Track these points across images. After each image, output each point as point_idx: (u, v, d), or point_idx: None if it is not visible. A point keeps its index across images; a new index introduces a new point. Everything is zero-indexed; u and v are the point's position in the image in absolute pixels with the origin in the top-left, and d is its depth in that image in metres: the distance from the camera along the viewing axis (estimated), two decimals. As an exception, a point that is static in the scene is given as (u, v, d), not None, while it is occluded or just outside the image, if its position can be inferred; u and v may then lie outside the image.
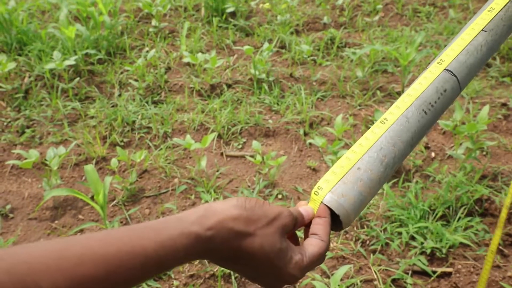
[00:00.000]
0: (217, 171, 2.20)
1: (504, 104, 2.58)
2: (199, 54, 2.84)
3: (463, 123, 2.39)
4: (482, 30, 0.59)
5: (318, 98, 2.72)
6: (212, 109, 2.58)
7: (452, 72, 0.57)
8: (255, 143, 2.18)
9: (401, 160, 0.57)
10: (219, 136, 2.44)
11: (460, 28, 3.32)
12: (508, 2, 0.61)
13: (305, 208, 0.59)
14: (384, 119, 0.56)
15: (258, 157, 2.12)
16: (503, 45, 3.04)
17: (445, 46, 0.63)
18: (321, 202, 0.57)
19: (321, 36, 3.33)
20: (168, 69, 3.01)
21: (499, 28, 0.60)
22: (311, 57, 3.09)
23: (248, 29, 3.44)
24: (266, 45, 2.89)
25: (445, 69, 0.58)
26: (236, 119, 2.52)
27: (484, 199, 1.95)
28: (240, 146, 2.39)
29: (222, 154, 2.34)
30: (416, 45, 2.75)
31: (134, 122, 2.50)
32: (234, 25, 3.47)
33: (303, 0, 3.94)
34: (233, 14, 3.60)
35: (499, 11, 0.60)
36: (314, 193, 0.58)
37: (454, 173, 2.09)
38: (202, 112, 2.59)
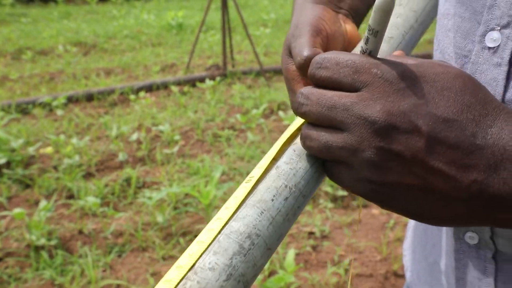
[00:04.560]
0: None
1: (311, 233, 2.46)
2: (-47, 228, 2.25)
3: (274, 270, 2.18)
4: None
5: (113, 257, 2.31)
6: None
7: None
8: None
9: None
10: None
11: (260, 152, 3.28)
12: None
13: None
14: None
15: None
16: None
17: (247, 173, 0.35)
18: None
19: (115, 178, 2.98)
20: None
21: None
22: (103, 207, 2.69)
23: (27, 180, 2.94)
24: (43, 203, 2.42)
25: None
26: (3, 310, 1.96)
27: None
28: None
29: None
30: (215, 181, 2.56)
31: None
32: (9, 178, 2.94)
33: (96, 136, 3.60)
34: (7, 164, 3.07)
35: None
36: None
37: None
38: (-46, 309, 1.97)
